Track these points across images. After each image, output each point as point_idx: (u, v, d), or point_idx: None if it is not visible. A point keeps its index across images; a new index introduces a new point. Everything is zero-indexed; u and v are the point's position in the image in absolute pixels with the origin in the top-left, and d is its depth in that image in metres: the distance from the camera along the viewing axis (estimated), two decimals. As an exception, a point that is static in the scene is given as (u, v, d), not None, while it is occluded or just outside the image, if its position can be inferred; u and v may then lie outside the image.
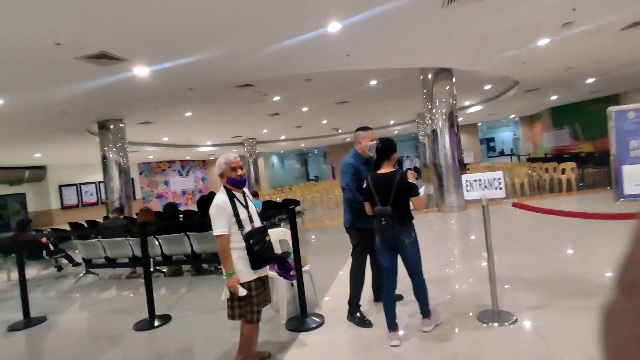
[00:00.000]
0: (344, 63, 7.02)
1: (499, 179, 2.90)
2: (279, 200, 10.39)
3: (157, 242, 5.33)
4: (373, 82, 10.10)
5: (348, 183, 3.23)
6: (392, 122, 19.83)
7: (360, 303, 3.37)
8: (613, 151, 2.86)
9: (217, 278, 5.35)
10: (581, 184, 10.93)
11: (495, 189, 2.92)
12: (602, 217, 2.90)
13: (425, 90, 9.29)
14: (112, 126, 10.54)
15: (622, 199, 2.78)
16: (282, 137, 21.34)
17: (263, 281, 2.63)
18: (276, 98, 10.81)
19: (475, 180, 2.97)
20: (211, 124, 14.16)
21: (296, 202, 8.72)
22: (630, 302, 0.39)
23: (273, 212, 5.86)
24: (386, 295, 2.87)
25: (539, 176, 11.61)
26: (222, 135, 17.71)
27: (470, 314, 3.17)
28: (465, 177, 3.02)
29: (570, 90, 13.85)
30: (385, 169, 2.84)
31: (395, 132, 24.54)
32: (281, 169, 31.76)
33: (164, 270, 5.90)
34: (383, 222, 2.67)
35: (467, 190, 3.00)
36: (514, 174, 10.48)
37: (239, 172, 2.63)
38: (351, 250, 3.42)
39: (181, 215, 6.68)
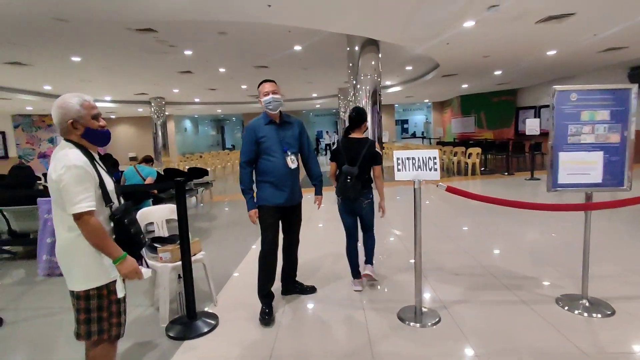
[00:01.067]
0: (264, 14, 6.13)
1: (434, 158, 2.50)
2: (185, 168, 9.25)
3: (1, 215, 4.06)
4: (297, 47, 9.32)
5: (242, 155, 2.75)
6: (314, 95, 19.28)
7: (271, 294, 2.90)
8: (551, 135, 2.58)
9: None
10: (483, 169, 11.70)
11: (430, 169, 2.51)
12: (538, 208, 2.68)
13: (351, 64, 8.84)
14: (-39, 62, 8.20)
15: (555, 189, 2.53)
16: (196, 100, 19.48)
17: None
18: (187, 52, 9.45)
19: (408, 159, 2.51)
20: (107, 75, 12.06)
21: (203, 172, 7.75)
22: None
23: (163, 184, 4.87)
24: (351, 248, 3.21)
25: (448, 159, 12.16)
26: (123, 90, 15.40)
27: (391, 311, 2.80)
28: (397, 154, 2.55)
29: (480, 79, 14.67)
30: (355, 135, 3.09)
31: (317, 106, 24.13)
32: (194, 134, 29.44)
33: (15, 251, 4.61)
34: (348, 180, 2.90)
35: (399, 170, 2.54)
36: (427, 156, 10.75)
37: (102, 121, 1.79)
38: None
39: (40, 182, 5.28)
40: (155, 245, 2.77)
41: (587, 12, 6.40)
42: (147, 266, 1.85)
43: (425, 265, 3.59)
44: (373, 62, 8.67)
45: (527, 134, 9.06)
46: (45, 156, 20.42)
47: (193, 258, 2.69)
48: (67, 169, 1.60)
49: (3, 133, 19.13)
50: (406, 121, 31.05)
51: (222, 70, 12.05)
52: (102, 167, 1.78)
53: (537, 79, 15.84)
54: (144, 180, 4.93)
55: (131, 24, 6.88)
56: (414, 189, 2.54)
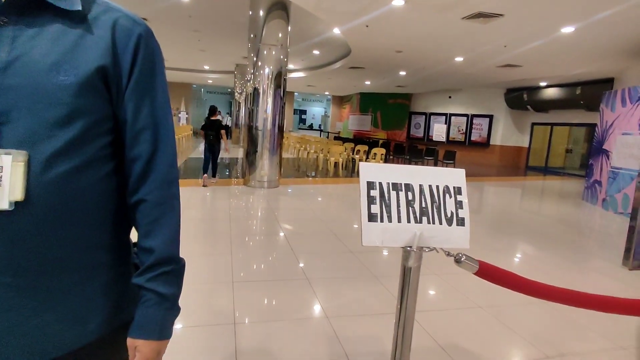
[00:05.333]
0: None
1: (458, 190, 1.05)
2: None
3: None
4: (185, -1, 7.27)
5: None
6: (206, 67, 16.86)
7: None
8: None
9: None
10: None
11: (449, 220, 1.04)
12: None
13: (252, 35, 7.18)
14: None
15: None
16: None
17: None
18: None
19: (394, 186, 1.01)
20: None
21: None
22: None
23: None
24: (206, 165, 6.86)
25: (350, 157, 11.42)
26: None
27: None
28: (367, 170, 1.01)
29: (384, 78, 14.40)
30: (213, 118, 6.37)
31: (210, 82, 21.55)
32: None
33: None
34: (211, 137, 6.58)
35: (371, 218, 0.98)
36: (331, 152, 9.77)
37: None
38: None
39: None
40: None
41: (515, 15, 5.99)
42: None
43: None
44: (280, 34, 7.15)
45: (434, 139, 8.74)
46: None
47: None
48: None
49: None
50: (304, 112, 30.32)
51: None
52: None
53: (430, 87, 16.40)
54: None
55: None
56: (405, 268, 1.07)
